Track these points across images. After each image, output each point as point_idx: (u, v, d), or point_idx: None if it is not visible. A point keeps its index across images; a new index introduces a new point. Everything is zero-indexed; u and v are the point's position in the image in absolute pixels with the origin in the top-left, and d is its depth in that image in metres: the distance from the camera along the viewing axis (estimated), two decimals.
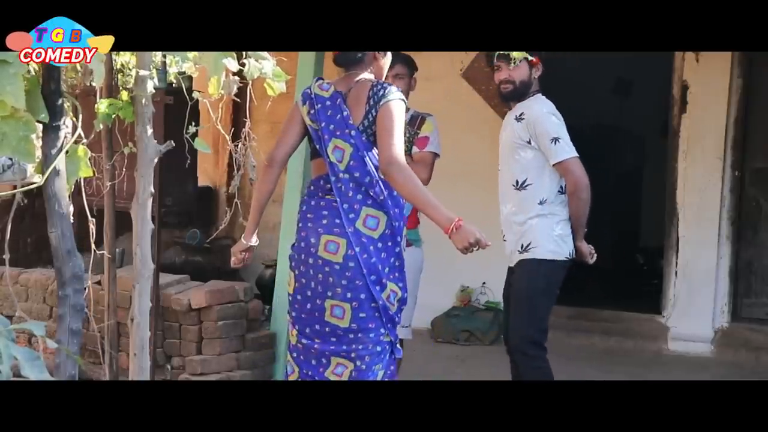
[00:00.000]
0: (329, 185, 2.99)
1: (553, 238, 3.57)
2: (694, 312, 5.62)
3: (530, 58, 3.59)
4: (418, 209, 3.16)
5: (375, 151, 2.97)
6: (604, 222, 8.17)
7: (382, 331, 2.98)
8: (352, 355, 2.96)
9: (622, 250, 8.14)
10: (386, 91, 2.95)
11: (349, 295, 2.92)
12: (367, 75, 3.06)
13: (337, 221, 2.94)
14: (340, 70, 3.12)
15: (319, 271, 2.94)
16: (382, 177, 2.94)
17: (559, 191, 3.60)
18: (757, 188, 5.63)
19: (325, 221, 2.97)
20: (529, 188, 3.59)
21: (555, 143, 3.49)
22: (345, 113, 2.98)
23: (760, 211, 5.64)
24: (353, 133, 2.96)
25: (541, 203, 3.57)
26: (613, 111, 8.31)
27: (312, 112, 3.03)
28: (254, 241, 3.20)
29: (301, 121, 3.09)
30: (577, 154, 3.53)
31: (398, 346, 3.11)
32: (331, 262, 2.92)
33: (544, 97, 3.66)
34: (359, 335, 2.95)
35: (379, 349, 2.99)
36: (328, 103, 3.01)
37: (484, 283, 6.05)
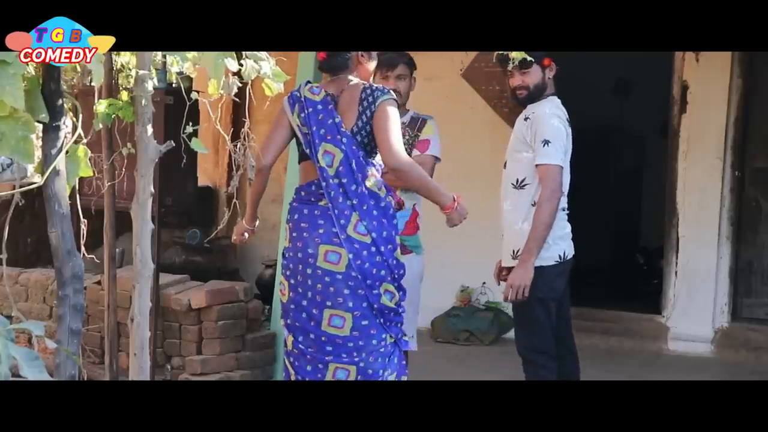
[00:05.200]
0: (321, 191, 2.98)
1: None
2: (694, 312, 5.62)
3: (544, 59, 3.55)
4: (426, 198, 3.18)
5: (362, 156, 2.97)
6: (604, 222, 8.20)
7: (384, 335, 2.98)
8: (355, 358, 2.94)
9: (622, 250, 8.13)
10: (380, 93, 2.97)
11: (351, 304, 2.90)
12: (355, 78, 3.06)
13: (334, 230, 2.92)
14: (326, 75, 3.13)
15: (318, 282, 2.92)
16: (367, 186, 2.95)
17: None
18: (757, 188, 5.62)
19: (321, 230, 2.94)
20: (527, 188, 3.55)
21: (545, 145, 3.43)
22: (337, 119, 2.97)
23: (760, 211, 5.64)
24: (344, 139, 2.95)
25: (533, 205, 3.53)
26: (613, 111, 8.30)
27: (303, 115, 3.01)
28: (255, 224, 3.28)
29: (288, 124, 3.07)
30: (561, 164, 3.46)
31: (411, 339, 3.12)
32: (333, 272, 2.90)
33: (557, 100, 3.61)
34: (360, 342, 2.93)
35: (383, 350, 2.98)
36: (319, 107, 3.00)
37: (484, 283, 6.03)
